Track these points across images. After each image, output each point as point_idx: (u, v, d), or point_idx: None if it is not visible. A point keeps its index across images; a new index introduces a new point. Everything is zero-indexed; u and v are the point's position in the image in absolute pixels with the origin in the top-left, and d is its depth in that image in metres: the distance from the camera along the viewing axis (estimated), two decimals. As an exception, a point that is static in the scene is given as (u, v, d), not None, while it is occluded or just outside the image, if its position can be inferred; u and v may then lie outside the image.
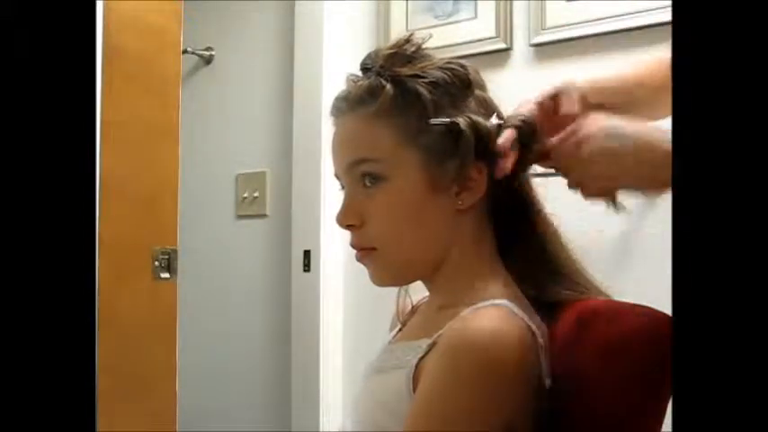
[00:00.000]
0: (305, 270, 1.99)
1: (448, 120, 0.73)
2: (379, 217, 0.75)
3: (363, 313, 1.96)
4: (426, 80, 0.74)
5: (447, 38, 1.83)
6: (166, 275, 1.73)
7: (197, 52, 2.30)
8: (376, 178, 0.74)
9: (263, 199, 2.18)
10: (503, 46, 1.76)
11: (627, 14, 1.59)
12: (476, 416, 0.63)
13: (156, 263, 1.72)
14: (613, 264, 1.57)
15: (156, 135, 1.73)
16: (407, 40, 0.77)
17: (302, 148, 2.03)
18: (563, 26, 1.68)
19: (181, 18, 1.78)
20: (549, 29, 1.69)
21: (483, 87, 0.79)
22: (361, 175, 0.75)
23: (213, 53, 2.33)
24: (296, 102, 2.06)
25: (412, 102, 0.74)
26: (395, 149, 0.74)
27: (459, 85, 0.75)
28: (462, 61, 0.78)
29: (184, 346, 1.82)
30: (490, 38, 1.78)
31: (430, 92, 0.73)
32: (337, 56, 2.01)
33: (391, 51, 0.76)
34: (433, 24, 1.86)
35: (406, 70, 0.75)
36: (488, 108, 0.77)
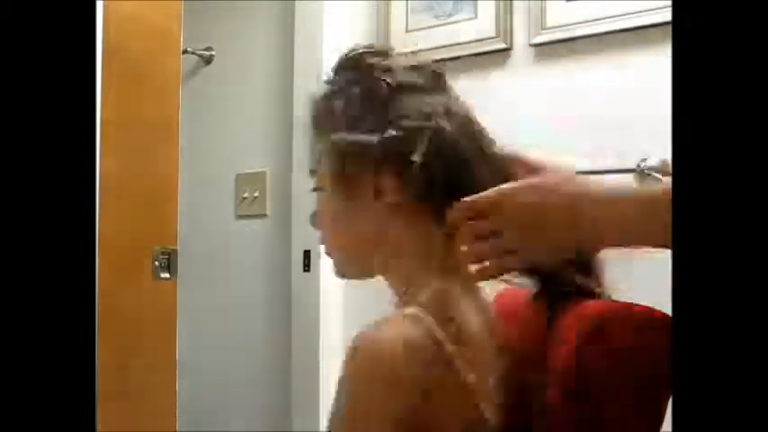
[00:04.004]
0: (305, 270, 1.99)
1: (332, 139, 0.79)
2: (320, 221, 0.84)
3: (363, 313, 1.96)
4: (344, 97, 0.79)
5: (447, 38, 1.83)
6: (166, 275, 1.73)
7: (197, 52, 2.30)
8: (319, 188, 0.82)
9: (263, 199, 2.18)
10: (503, 46, 1.76)
11: (627, 14, 1.59)
12: (362, 422, 0.68)
13: (156, 263, 1.72)
14: (613, 264, 1.56)
15: (156, 135, 1.73)
16: (349, 56, 0.82)
17: (302, 148, 2.02)
18: (563, 26, 1.68)
19: (181, 18, 1.78)
20: (549, 29, 1.69)
21: (415, 89, 0.78)
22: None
23: (213, 53, 2.32)
24: (296, 102, 2.06)
25: (330, 118, 0.80)
26: (322, 162, 0.81)
27: (378, 96, 0.77)
28: (388, 71, 0.79)
29: (184, 346, 1.82)
30: (490, 38, 1.78)
31: (343, 108, 0.78)
32: (337, 56, 2.00)
33: (333, 69, 0.83)
34: (433, 24, 1.87)
35: (331, 88, 0.81)
36: (417, 112, 0.76)
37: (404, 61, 0.81)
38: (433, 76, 0.80)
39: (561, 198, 0.69)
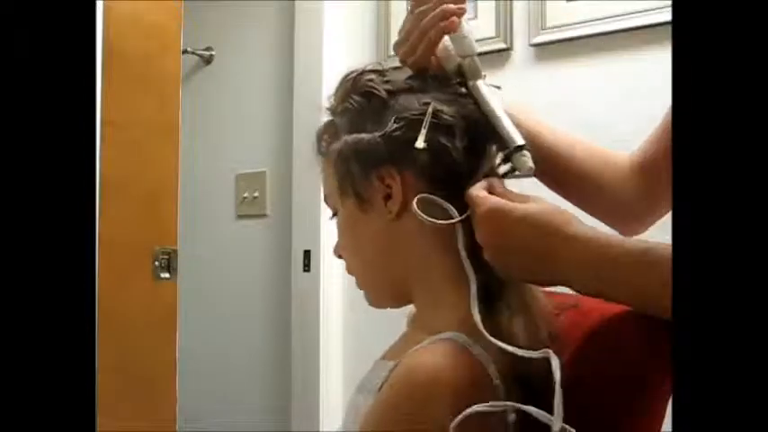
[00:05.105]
0: (305, 270, 1.99)
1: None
2: (341, 247, 0.81)
3: (363, 313, 1.96)
4: (346, 114, 0.78)
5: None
6: (166, 275, 1.73)
7: (197, 52, 2.30)
8: (335, 212, 0.81)
9: (263, 199, 2.18)
10: (503, 46, 1.76)
11: (627, 14, 1.59)
12: None
13: (156, 263, 1.72)
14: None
15: (156, 135, 1.73)
16: (347, 77, 0.80)
17: (302, 148, 2.02)
18: (563, 26, 1.68)
19: (181, 18, 1.78)
20: (549, 29, 1.69)
21: (412, 90, 0.77)
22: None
23: (213, 53, 2.33)
24: (296, 102, 2.06)
25: (335, 137, 0.78)
26: (331, 182, 0.79)
27: (376, 103, 0.76)
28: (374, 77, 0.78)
29: (184, 346, 1.82)
30: (490, 38, 1.78)
31: (346, 124, 0.77)
32: (337, 56, 2.01)
33: (333, 92, 0.81)
34: (433, 24, 1.86)
35: (333, 109, 0.80)
36: (416, 107, 0.75)
37: (400, 73, 0.79)
38: (431, 79, 0.78)
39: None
